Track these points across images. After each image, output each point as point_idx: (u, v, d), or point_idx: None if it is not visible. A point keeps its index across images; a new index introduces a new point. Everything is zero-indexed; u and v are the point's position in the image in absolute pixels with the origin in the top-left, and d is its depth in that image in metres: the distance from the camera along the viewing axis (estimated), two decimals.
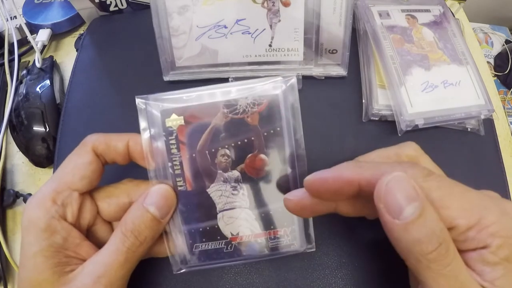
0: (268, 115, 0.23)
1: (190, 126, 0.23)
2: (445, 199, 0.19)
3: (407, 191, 0.17)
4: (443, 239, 0.17)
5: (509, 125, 0.38)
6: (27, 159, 0.37)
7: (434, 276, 0.18)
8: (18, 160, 0.38)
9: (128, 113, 0.34)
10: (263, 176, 0.24)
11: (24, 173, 0.37)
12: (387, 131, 0.32)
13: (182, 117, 0.23)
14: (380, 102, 0.32)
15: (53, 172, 0.33)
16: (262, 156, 0.24)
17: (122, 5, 0.41)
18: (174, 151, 0.24)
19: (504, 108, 0.41)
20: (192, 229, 0.24)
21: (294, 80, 0.23)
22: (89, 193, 0.24)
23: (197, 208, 0.24)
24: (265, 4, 0.31)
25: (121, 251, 0.21)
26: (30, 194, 0.35)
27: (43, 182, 0.37)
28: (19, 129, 0.36)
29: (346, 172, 0.20)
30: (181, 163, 0.24)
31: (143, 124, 0.23)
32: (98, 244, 0.23)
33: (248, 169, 0.24)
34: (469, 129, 0.32)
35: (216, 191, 0.24)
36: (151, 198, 0.23)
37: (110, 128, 0.33)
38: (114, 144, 0.24)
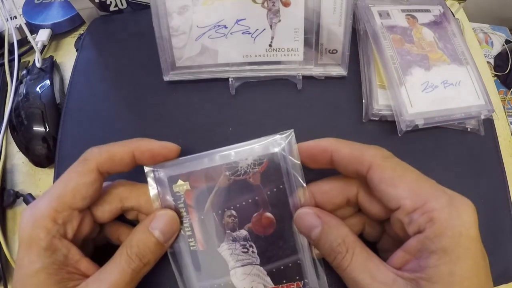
0: (269, 173, 0.24)
1: (196, 190, 0.25)
2: (396, 179, 0.21)
3: (312, 220, 0.23)
4: (339, 251, 0.21)
5: (509, 125, 0.38)
6: (27, 159, 0.37)
7: (342, 276, 0.22)
8: (18, 160, 0.38)
9: (128, 113, 0.34)
10: (270, 234, 0.25)
11: (24, 173, 0.37)
12: (387, 131, 0.32)
13: (187, 182, 0.25)
14: (380, 102, 0.32)
15: (54, 174, 0.33)
16: (268, 214, 0.25)
17: (122, 5, 0.41)
18: (184, 214, 0.25)
19: (504, 108, 0.41)
20: (207, 285, 0.25)
21: (292, 136, 0.24)
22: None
23: (210, 266, 0.25)
24: (265, 4, 0.31)
25: (126, 272, 0.22)
26: (30, 194, 0.35)
27: (43, 182, 0.37)
28: (19, 129, 0.36)
29: (324, 142, 0.24)
30: (191, 225, 0.25)
31: (153, 191, 0.25)
32: (87, 244, 0.25)
33: (255, 228, 0.25)
34: (469, 129, 0.32)
35: (226, 249, 0.25)
36: (157, 222, 0.24)
37: (110, 127, 0.33)
38: (119, 158, 0.24)
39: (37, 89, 0.38)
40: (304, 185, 0.24)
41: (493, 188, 0.31)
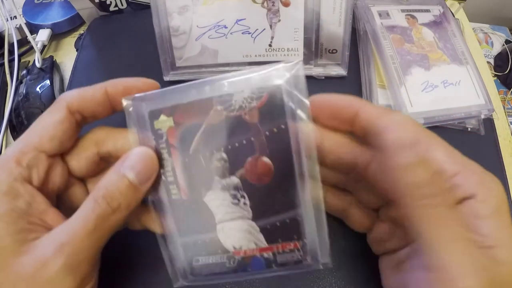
0: (269, 110, 0.20)
1: (180, 127, 0.21)
2: (435, 145, 0.19)
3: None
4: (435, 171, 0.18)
5: (509, 125, 0.38)
6: None
7: (427, 214, 0.18)
8: None
9: None
10: (267, 183, 0.21)
11: None
12: None
13: (171, 117, 0.21)
14: (380, 102, 0.32)
15: None
16: (265, 159, 0.20)
17: (122, 5, 0.41)
18: (165, 156, 0.21)
19: (504, 108, 0.41)
20: (191, 241, 0.22)
21: (300, 66, 0.20)
22: (61, 154, 0.22)
23: (194, 218, 0.22)
24: (265, 4, 0.31)
25: (90, 217, 0.19)
26: None
27: None
28: (19, 129, 0.36)
29: (349, 97, 0.21)
30: (173, 169, 0.21)
31: (131, 126, 0.21)
32: (75, 208, 0.21)
33: (249, 175, 0.21)
34: (469, 129, 0.32)
35: (214, 199, 0.21)
36: (130, 161, 0.20)
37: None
38: (91, 94, 0.22)
39: (37, 89, 0.38)
40: (312, 127, 0.20)
41: None
